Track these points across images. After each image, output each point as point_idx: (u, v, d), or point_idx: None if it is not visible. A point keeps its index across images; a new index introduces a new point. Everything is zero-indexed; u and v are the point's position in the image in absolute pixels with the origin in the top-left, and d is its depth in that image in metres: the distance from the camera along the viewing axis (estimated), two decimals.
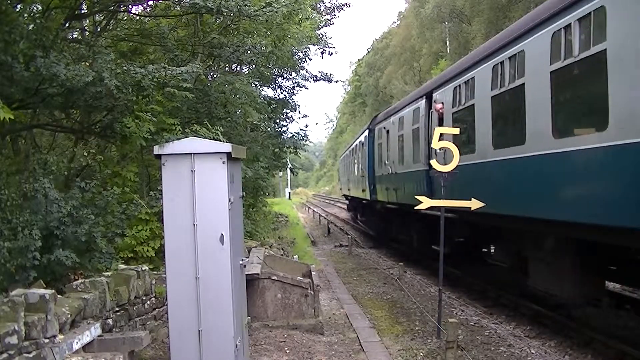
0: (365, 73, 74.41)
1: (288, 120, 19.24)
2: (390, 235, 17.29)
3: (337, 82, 19.64)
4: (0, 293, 4.65)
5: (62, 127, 9.16)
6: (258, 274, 7.25)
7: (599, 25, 5.48)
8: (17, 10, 7.34)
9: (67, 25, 8.50)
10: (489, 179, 8.21)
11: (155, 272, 7.45)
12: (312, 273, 8.51)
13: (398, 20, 68.41)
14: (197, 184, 4.83)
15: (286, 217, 28.80)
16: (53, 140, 9.89)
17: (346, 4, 19.07)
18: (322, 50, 17.69)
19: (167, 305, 5.18)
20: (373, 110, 57.65)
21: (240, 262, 5.41)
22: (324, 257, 16.27)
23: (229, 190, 4.90)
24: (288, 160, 22.23)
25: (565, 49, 6.08)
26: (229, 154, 4.89)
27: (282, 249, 14.14)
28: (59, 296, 4.65)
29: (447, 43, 47.75)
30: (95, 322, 4.95)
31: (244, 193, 6.54)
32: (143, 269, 6.38)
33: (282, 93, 18.28)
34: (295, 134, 18.97)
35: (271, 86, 17.84)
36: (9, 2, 6.76)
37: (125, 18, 10.87)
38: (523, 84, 7.00)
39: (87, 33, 10.08)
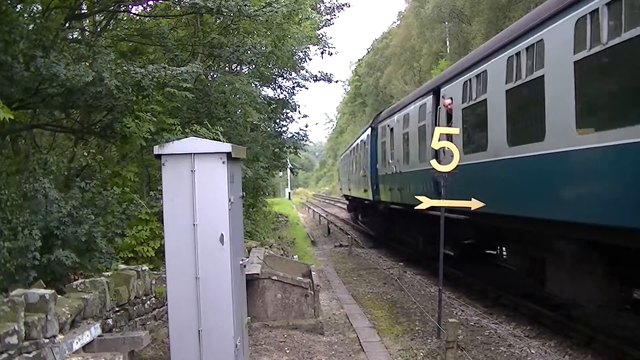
0: (365, 73, 74.39)
1: (288, 120, 19.25)
2: (394, 236, 16.91)
3: (337, 82, 19.66)
4: (0, 293, 4.65)
5: (62, 127, 9.16)
6: (258, 274, 7.25)
7: (633, 8, 4.98)
8: (17, 10, 7.34)
9: (67, 25, 8.50)
10: (502, 178, 7.75)
11: (155, 272, 7.45)
12: (312, 273, 8.51)
13: (398, 20, 68.43)
14: (197, 184, 4.82)
15: (286, 217, 28.80)
16: (53, 140, 9.89)
17: (346, 4, 19.07)
18: (322, 50, 17.70)
19: (167, 305, 5.18)
20: (373, 110, 57.63)
21: (240, 262, 5.41)
22: (324, 257, 16.27)
23: (229, 190, 4.90)
24: (288, 160, 22.22)
25: (591, 36, 5.56)
26: (229, 154, 4.89)
27: (282, 249, 14.14)
28: (59, 296, 4.65)
29: (447, 43, 47.74)
30: (95, 322, 4.95)
31: (244, 193, 6.54)
32: (143, 269, 6.38)
33: (282, 93, 18.31)
34: (295, 134, 18.97)
35: (271, 86, 17.85)
36: (9, 2, 6.76)
37: (125, 18, 10.87)
38: (542, 75, 6.53)
39: (87, 33, 10.08)
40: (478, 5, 38.30)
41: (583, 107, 5.81)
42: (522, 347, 6.95)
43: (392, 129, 14.65)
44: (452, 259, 10.93)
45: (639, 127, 4.91)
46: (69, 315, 4.52)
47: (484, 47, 9.16)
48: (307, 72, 17.91)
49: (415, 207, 8.35)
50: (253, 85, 13.88)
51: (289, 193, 63.20)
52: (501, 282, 9.86)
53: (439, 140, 7.69)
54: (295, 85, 18.15)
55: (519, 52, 7.17)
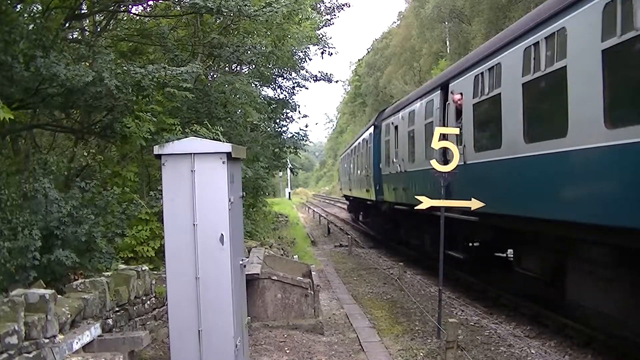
0: (365, 73, 74.41)
1: (288, 120, 19.27)
2: (398, 238, 16.38)
3: (337, 82, 19.68)
4: (0, 293, 4.65)
5: (62, 127, 9.16)
6: (258, 274, 7.25)
7: None
8: (17, 10, 7.34)
9: (67, 25, 8.50)
10: (518, 177, 7.25)
11: (155, 272, 7.45)
12: (312, 273, 8.51)
13: (398, 20, 68.50)
14: (197, 184, 4.82)
15: (286, 217, 28.79)
16: (53, 140, 9.89)
17: (346, 4, 19.08)
18: (322, 50, 17.72)
19: (167, 305, 5.18)
20: (373, 110, 57.62)
21: (240, 262, 5.41)
22: (324, 257, 16.27)
23: (229, 190, 4.90)
24: (288, 160, 22.23)
25: (622, 23, 5.08)
26: (229, 154, 4.89)
27: (282, 249, 14.14)
28: (59, 296, 4.65)
29: (447, 43, 47.77)
30: (95, 322, 4.95)
31: (244, 193, 6.53)
32: (143, 269, 6.38)
33: (282, 93, 18.33)
34: (295, 134, 18.99)
35: (271, 86, 17.87)
36: (9, 2, 6.76)
37: (125, 18, 10.87)
38: (564, 67, 6.05)
39: (87, 33, 10.08)
40: (478, 5, 38.33)
41: (613, 100, 5.33)
42: (522, 347, 6.95)
43: (396, 127, 14.17)
44: (461, 262, 10.55)
45: None
46: (69, 315, 4.53)
47: (497, 38, 8.64)
48: (307, 72, 17.96)
49: (415, 207, 8.33)
50: (253, 85, 13.90)
51: (289, 193, 63.21)
52: (515, 288, 9.29)
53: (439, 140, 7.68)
54: (295, 85, 18.18)
55: (538, 42, 6.66)
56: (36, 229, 5.36)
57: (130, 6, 9.98)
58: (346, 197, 29.53)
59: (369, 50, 76.24)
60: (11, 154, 7.80)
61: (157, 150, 4.96)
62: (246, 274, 6.01)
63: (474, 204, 7.54)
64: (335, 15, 19.41)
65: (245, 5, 8.92)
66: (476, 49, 10.73)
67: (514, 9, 32.96)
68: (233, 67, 13.90)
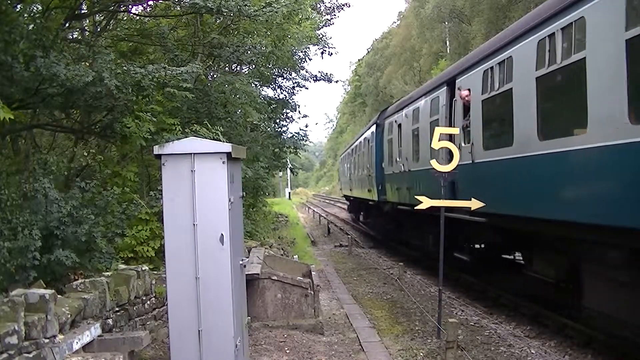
0: (365, 73, 74.43)
1: (288, 120, 19.27)
2: (401, 239, 16.11)
3: (337, 82, 19.67)
4: (0, 293, 4.65)
5: (62, 127, 9.16)
6: (258, 274, 7.25)
7: None
8: (17, 10, 7.34)
9: (67, 25, 8.50)
10: (531, 176, 6.89)
11: (155, 272, 7.45)
12: (312, 273, 8.51)
13: (398, 20, 68.51)
14: (197, 184, 4.83)
15: (286, 217, 28.79)
16: (53, 140, 9.89)
17: (346, 4, 19.09)
18: (322, 50, 17.72)
19: (167, 305, 5.18)
20: (373, 111, 57.63)
21: (240, 262, 5.41)
22: (324, 257, 16.27)
23: (229, 190, 4.90)
24: (288, 160, 22.23)
25: None
26: (229, 154, 4.89)
27: (282, 249, 14.13)
28: (59, 296, 4.65)
29: (447, 43, 47.80)
30: (95, 322, 4.95)
31: (244, 193, 6.54)
32: (143, 269, 6.38)
33: (282, 93, 18.33)
34: (295, 134, 18.99)
35: (271, 86, 17.87)
36: (9, 2, 6.76)
37: (125, 18, 10.87)
38: (583, 58, 5.70)
39: (87, 33, 10.08)
40: (478, 5, 38.35)
41: (638, 93, 5.02)
42: (522, 347, 6.95)
43: (400, 125, 13.80)
44: (466, 263, 10.35)
45: None
46: (69, 315, 4.53)
47: (508, 30, 8.25)
48: (307, 72, 17.96)
49: (415, 208, 8.32)
50: (253, 85, 13.90)
51: (289, 193, 63.22)
52: (526, 293, 8.98)
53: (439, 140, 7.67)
54: (295, 85, 18.18)
55: (553, 33, 6.31)
56: (36, 229, 5.36)
57: (130, 6, 9.98)
58: (346, 197, 29.25)
59: (369, 50, 76.29)
60: (11, 154, 7.81)
61: (157, 150, 4.96)
62: (246, 274, 6.01)
63: (474, 204, 7.53)
64: (335, 15, 19.44)
65: (245, 5, 8.92)
66: (485, 42, 10.17)
67: (514, 9, 32.98)
68: (233, 67, 13.91)
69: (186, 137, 7.07)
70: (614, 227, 5.43)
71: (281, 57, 13.97)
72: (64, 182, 7.58)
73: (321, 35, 17.94)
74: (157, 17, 10.77)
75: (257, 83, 15.23)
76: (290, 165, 24.03)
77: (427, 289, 10.79)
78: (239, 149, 5.31)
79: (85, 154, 8.08)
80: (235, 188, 5.20)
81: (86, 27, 10.31)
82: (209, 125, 9.01)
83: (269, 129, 17.08)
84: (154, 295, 6.51)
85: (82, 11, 9.32)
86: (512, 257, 10.22)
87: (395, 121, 14.36)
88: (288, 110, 18.63)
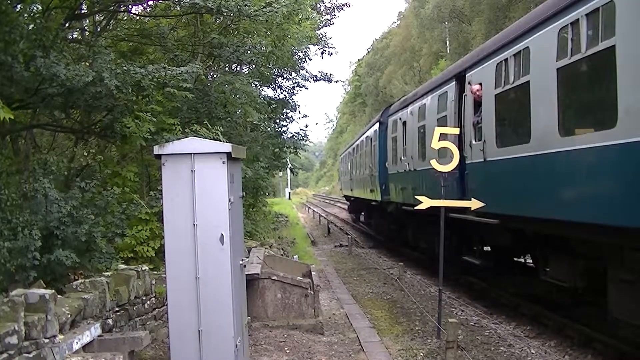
0: (365, 73, 74.48)
1: (288, 120, 19.31)
2: (405, 241, 15.35)
3: (337, 82, 19.70)
4: (0, 293, 4.65)
5: (62, 127, 9.16)
6: (258, 274, 7.25)
7: None
8: (17, 10, 7.34)
9: (67, 25, 8.50)
10: (551, 174, 6.43)
11: (155, 272, 7.46)
12: (312, 273, 8.52)
13: (398, 20, 68.65)
14: (197, 184, 4.83)
15: (286, 217, 28.80)
16: (53, 140, 9.90)
17: (346, 4, 19.11)
18: (322, 50, 17.72)
19: (167, 305, 5.18)
20: (373, 110, 57.70)
21: (240, 262, 5.41)
22: (324, 257, 16.27)
23: (229, 190, 4.90)
24: (288, 160, 22.25)
25: None
26: (229, 154, 4.89)
27: (282, 249, 14.13)
28: (59, 296, 4.65)
29: (447, 43, 47.84)
30: (95, 322, 4.95)
31: (244, 193, 6.54)
32: (143, 269, 6.39)
33: (282, 93, 18.36)
34: (295, 134, 19.03)
35: (271, 86, 17.89)
36: (9, 2, 6.76)
37: (125, 18, 10.88)
38: (612, 46, 5.23)
39: (87, 33, 10.09)
40: (478, 5, 38.39)
41: None
42: (522, 347, 6.95)
43: (404, 123, 13.24)
44: (477, 268, 9.92)
45: None
46: (69, 315, 4.53)
47: (524, 20, 7.72)
48: (307, 72, 17.97)
49: (415, 208, 8.30)
50: (253, 85, 13.91)
51: (289, 193, 63.25)
52: (543, 299, 8.62)
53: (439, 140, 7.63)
54: (295, 85, 18.19)
55: (577, 20, 5.81)
56: (36, 229, 5.37)
57: (130, 6, 9.99)
58: (347, 197, 28.88)
59: (369, 50, 76.34)
60: (11, 154, 7.81)
61: (157, 150, 4.96)
62: (246, 274, 6.01)
63: (474, 204, 7.51)
64: (335, 15, 19.47)
65: (245, 5, 8.93)
66: (498, 34, 9.56)
67: (514, 9, 33.03)
68: (233, 67, 13.91)
69: (186, 137, 7.07)
70: None
71: (281, 57, 13.98)
72: (64, 182, 7.58)
73: (321, 35, 17.96)
74: (157, 17, 10.78)
75: (257, 83, 15.24)
76: (290, 165, 24.07)
77: (427, 289, 10.79)
78: (239, 149, 5.31)
79: (85, 154, 8.10)
80: (235, 188, 5.20)
81: (86, 27, 10.32)
82: (209, 125, 9.02)
83: (269, 129, 17.09)
84: (154, 295, 6.51)
85: (82, 11, 9.32)
86: (523, 260, 9.86)
87: (400, 119, 13.84)
88: (288, 110, 18.65)
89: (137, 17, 11.10)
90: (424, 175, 10.94)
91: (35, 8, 8.09)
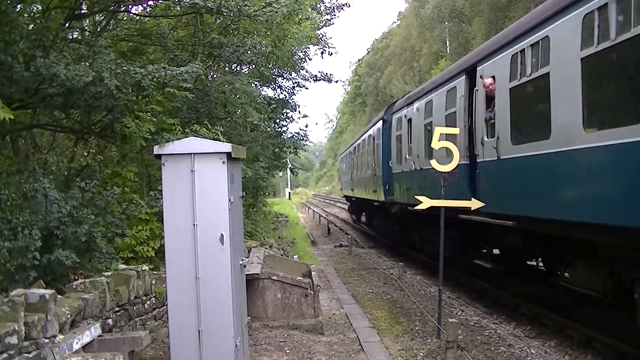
0: (365, 73, 74.50)
1: (288, 120, 19.30)
2: (410, 243, 14.96)
3: (337, 82, 19.67)
4: (0, 293, 4.65)
5: (62, 127, 9.16)
6: (258, 274, 7.25)
7: None
8: (17, 10, 7.35)
9: (67, 25, 8.50)
10: (575, 173, 6.00)
11: (155, 272, 7.46)
12: (312, 273, 8.52)
13: (398, 20, 68.68)
14: (197, 184, 4.83)
15: (286, 217, 28.80)
16: (53, 140, 9.90)
17: (346, 4, 19.10)
18: (322, 50, 17.71)
19: (167, 305, 5.18)
20: (373, 111, 57.77)
21: (240, 262, 5.41)
22: (324, 257, 16.27)
23: (229, 190, 4.90)
24: (288, 160, 22.25)
25: None
26: (229, 154, 4.89)
27: (282, 249, 14.13)
28: (59, 296, 4.65)
29: (447, 43, 47.87)
30: (95, 322, 4.95)
31: (244, 193, 6.54)
32: (143, 269, 6.39)
33: (282, 93, 18.35)
34: (295, 134, 19.03)
35: (271, 86, 17.89)
36: (9, 2, 6.76)
37: (125, 18, 10.88)
38: None
39: (87, 33, 10.09)
40: (478, 5, 38.40)
41: None
42: (522, 347, 6.94)
43: (410, 120, 12.74)
44: (490, 272, 9.58)
45: None
46: (69, 315, 4.53)
47: (541, 8, 7.19)
48: (307, 72, 17.96)
49: (415, 208, 8.28)
50: (253, 85, 13.91)
51: (289, 193, 63.26)
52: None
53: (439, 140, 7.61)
54: (295, 85, 18.19)
55: (605, 4, 5.37)
56: (36, 229, 5.37)
57: (130, 6, 9.99)
58: (347, 198, 28.57)
59: (369, 50, 76.37)
60: (11, 154, 7.81)
61: (157, 150, 4.96)
62: (246, 274, 6.01)
63: (474, 204, 7.51)
64: (335, 15, 19.45)
65: (245, 5, 8.93)
66: (512, 24, 9.10)
67: (514, 9, 33.03)
68: (233, 67, 13.91)
69: (186, 137, 7.07)
70: None
71: (281, 57, 13.98)
72: (64, 182, 7.58)
73: (321, 35, 17.95)
74: (157, 17, 10.78)
75: (257, 83, 15.24)
76: (290, 165, 24.06)
77: (427, 289, 10.79)
78: (239, 149, 5.31)
79: (85, 154, 8.10)
80: (235, 188, 5.20)
81: (86, 27, 10.32)
82: (209, 125, 9.02)
83: (269, 129, 17.09)
84: (154, 295, 6.51)
85: (82, 11, 9.32)
86: (535, 263, 9.54)
87: (405, 116, 13.28)
88: (288, 110, 18.65)
89: (137, 17, 11.10)
90: (431, 173, 10.22)
91: (35, 8, 8.09)
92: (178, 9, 10.46)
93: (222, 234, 4.84)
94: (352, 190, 24.51)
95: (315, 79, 18.14)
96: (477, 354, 6.62)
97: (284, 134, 19.12)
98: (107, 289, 5.31)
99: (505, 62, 7.61)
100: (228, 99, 11.46)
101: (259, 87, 15.94)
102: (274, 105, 17.18)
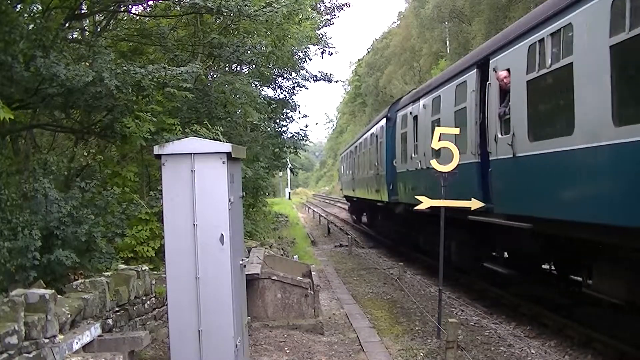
0: (365, 73, 74.49)
1: (288, 120, 19.31)
2: (416, 244, 14.43)
3: (337, 82, 19.66)
4: (0, 293, 4.65)
5: (62, 127, 9.16)
6: (258, 274, 7.25)
7: None
8: (17, 10, 7.35)
9: (67, 25, 8.50)
10: (603, 171, 5.53)
11: (155, 272, 7.46)
12: (312, 273, 8.52)
13: (398, 20, 68.64)
14: (197, 184, 4.83)
15: (286, 217, 28.80)
16: (53, 140, 9.90)
17: (346, 4, 19.09)
18: (322, 50, 17.71)
19: (167, 305, 5.18)
20: (373, 111, 57.77)
21: (240, 262, 5.41)
22: (324, 257, 16.28)
23: (229, 190, 4.90)
24: (288, 160, 22.25)
25: None
26: (229, 154, 4.89)
27: (282, 249, 14.13)
28: (59, 296, 4.65)
29: (447, 43, 47.87)
30: (95, 322, 4.95)
31: (244, 193, 6.54)
32: (143, 269, 6.39)
33: (282, 93, 18.35)
34: (295, 134, 19.03)
35: (271, 86, 17.90)
36: (9, 2, 6.76)
37: (125, 18, 10.88)
38: None
39: (87, 33, 10.09)
40: (478, 5, 38.40)
41: None
42: (522, 347, 6.95)
43: (415, 117, 12.25)
44: (505, 277, 9.27)
45: None
46: (69, 315, 4.53)
47: None
48: (307, 72, 17.95)
49: (415, 208, 8.27)
50: (253, 85, 13.91)
51: (289, 193, 63.26)
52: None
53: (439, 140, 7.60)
54: (295, 85, 18.19)
55: None
56: (36, 229, 5.37)
57: (130, 6, 9.98)
58: (348, 198, 28.20)
59: (369, 50, 76.36)
60: (11, 154, 7.81)
61: (157, 150, 4.96)
62: (246, 274, 6.01)
63: (474, 204, 7.50)
64: (335, 15, 19.44)
65: (245, 5, 8.93)
66: (530, 12, 8.57)
67: (514, 9, 33.03)
68: (233, 67, 13.91)
69: (186, 137, 7.07)
70: None
71: (281, 57, 13.98)
72: (64, 182, 7.59)
73: (321, 35, 17.94)
74: (157, 17, 10.78)
75: (257, 83, 15.24)
76: (290, 165, 24.05)
77: (427, 289, 10.79)
78: (239, 149, 5.31)
79: (85, 154, 8.10)
80: (235, 188, 5.20)
81: (86, 27, 10.32)
82: (209, 125, 9.02)
83: (269, 129, 17.09)
84: (154, 295, 6.51)
85: (82, 11, 9.32)
86: (549, 268, 9.20)
87: (410, 113, 12.75)
88: (288, 110, 18.66)
89: (137, 17, 11.10)
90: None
91: (35, 8, 8.09)
92: (178, 9, 10.46)
93: (222, 234, 4.84)
94: (353, 190, 24.14)
95: (315, 79, 18.14)
96: (477, 354, 6.62)
97: (284, 134, 19.13)
98: (107, 289, 5.31)
99: (522, 54, 7.12)
100: (228, 99, 11.46)
101: (259, 87, 15.95)
102: (274, 105, 17.19)
